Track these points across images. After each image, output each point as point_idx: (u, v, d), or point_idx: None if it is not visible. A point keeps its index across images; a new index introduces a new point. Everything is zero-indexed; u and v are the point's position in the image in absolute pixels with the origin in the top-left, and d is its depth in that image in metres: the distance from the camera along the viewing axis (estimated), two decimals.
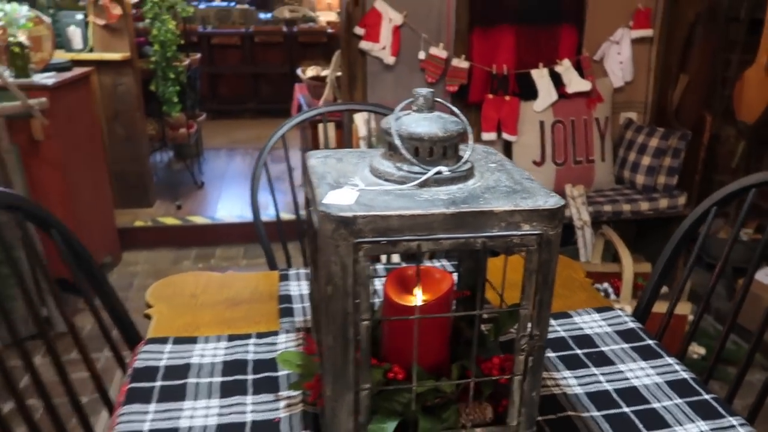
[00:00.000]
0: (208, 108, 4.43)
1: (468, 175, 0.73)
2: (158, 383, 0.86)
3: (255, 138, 5.12)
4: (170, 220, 3.29)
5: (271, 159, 4.53)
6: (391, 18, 2.62)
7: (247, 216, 3.39)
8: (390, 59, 2.64)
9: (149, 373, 0.88)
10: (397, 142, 0.70)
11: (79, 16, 3.32)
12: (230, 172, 4.24)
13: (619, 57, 2.84)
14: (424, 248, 0.65)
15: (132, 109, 3.36)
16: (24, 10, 2.71)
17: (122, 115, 3.34)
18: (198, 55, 4.26)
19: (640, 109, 2.95)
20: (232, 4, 7.11)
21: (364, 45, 2.63)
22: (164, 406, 0.82)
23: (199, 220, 3.33)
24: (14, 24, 2.62)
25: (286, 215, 3.15)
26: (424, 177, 0.69)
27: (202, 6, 6.66)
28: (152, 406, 0.82)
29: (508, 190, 0.70)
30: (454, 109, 0.76)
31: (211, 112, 4.48)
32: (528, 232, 0.65)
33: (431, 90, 0.76)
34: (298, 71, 4.04)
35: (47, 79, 2.54)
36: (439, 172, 0.69)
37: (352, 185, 0.69)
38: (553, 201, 0.66)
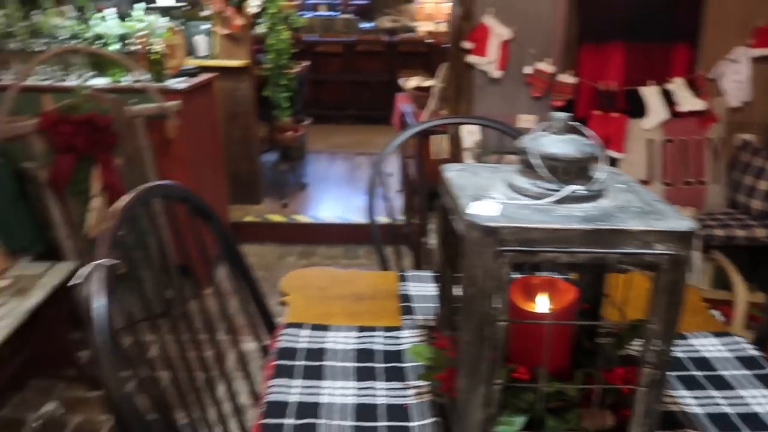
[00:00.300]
0: (311, 113, 4.64)
1: (599, 194, 0.78)
2: (299, 362, 0.97)
3: (355, 143, 5.31)
4: (277, 218, 3.50)
5: (372, 163, 4.67)
6: (499, 33, 2.67)
7: (347, 218, 3.55)
8: (496, 73, 2.69)
9: (290, 352, 1.00)
10: (536, 161, 0.77)
11: (205, 26, 3.61)
12: (331, 175, 4.44)
13: (736, 76, 2.73)
14: (561, 260, 0.71)
15: (247, 113, 3.61)
16: (163, 21, 3.00)
17: (238, 118, 3.59)
18: (307, 63, 4.49)
19: (758, 131, 2.81)
20: (337, 14, 7.40)
21: (471, 59, 2.70)
22: (306, 382, 0.92)
23: (302, 219, 3.52)
24: (154, 34, 2.91)
25: (379, 218, 3.26)
26: (562, 194, 0.74)
27: (307, 15, 6.98)
28: (295, 382, 0.92)
29: (640, 211, 0.75)
30: (589, 132, 0.82)
31: (313, 116, 4.70)
32: (661, 252, 0.69)
33: (569, 114, 0.81)
34: (401, 81, 4.17)
35: (180, 83, 2.80)
36: (575, 191, 0.75)
37: (493, 198, 0.76)
38: (686, 224, 0.70)
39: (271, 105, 3.91)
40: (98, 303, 0.68)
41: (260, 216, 3.52)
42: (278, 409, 0.87)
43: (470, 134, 2.50)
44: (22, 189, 2.32)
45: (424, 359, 0.89)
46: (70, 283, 0.70)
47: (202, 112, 3.00)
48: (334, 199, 3.92)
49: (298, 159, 4.31)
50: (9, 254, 2.07)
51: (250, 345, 1.33)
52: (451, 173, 0.87)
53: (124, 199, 0.85)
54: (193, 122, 2.84)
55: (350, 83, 6.29)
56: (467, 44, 2.69)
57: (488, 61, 2.68)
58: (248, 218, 3.45)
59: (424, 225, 2.15)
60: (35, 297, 1.87)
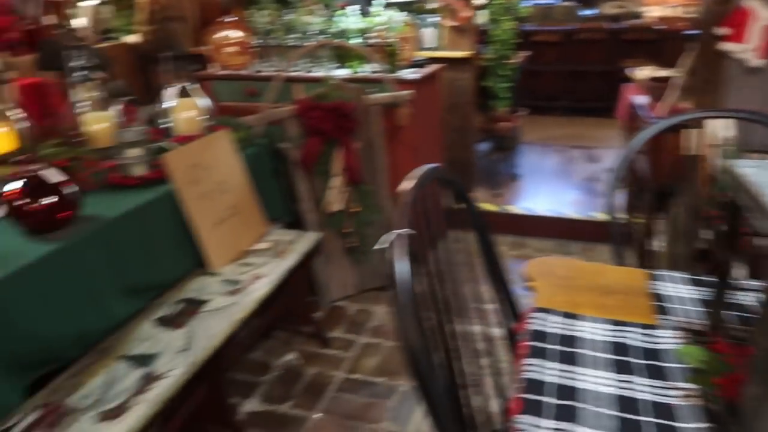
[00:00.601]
0: (525, 103, 4.58)
1: None
2: (552, 346, 0.99)
3: (568, 136, 5.12)
4: (489, 207, 3.55)
5: (587, 157, 4.47)
6: (764, 17, 2.36)
7: (560, 211, 3.46)
8: (756, 61, 2.39)
9: (541, 335, 1.03)
10: None
11: (432, 19, 3.76)
12: (544, 168, 4.35)
13: None
14: None
15: (467, 103, 3.70)
16: (400, 15, 3.20)
17: (458, 107, 3.69)
18: (527, 53, 4.43)
19: None
20: (556, 1, 7.14)
21: (726, 46, 2.43)
22: (560, 366, 0.95)
23: (514, 209, 3.52)
24: (391, 27, 3.11)
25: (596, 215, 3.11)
26: None
27: (526, 4, 6.85)
28: (550, 364, 0.95)
29: None
30: None
31: (527, 107, 4.64)
32: None
33: None
34: (629, 71, 3.91)
35: (412, 74, 2.97)
36: None
37: None
38: None
39: (488, 95, 3.95)
40: (400, 267, 0.77)
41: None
42: (536, 387, 0.90)
43: (723, 129, 2.26)
44: (277, 166, 2.68)
45: (696, 362, 0.86)
46: (375, 247, 0.81)
47: (428, 101, 3.15)
48: (547, 191, 3.84)
49: (511, 149, 4.30)
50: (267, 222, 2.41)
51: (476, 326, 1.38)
52: (747, 170, 0.82)
53: (412, 179, 0.95)
54: (420, 110, 2.99)
55: (566, 73, 6.06)
56: (722, 30, 2.43)
57: (747, 49, 2.39)
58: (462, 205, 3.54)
59: (651, 225, 2.02)
60: (290, 260, 2.16)
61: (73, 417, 1.40)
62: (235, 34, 3.43)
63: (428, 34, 3.69)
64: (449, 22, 3.66)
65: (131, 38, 4.12)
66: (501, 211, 3.52)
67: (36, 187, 1.66)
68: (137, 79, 3.94)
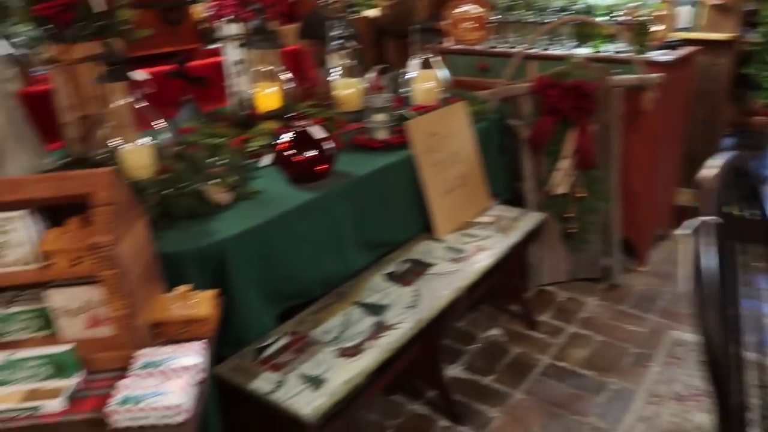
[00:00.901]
0: None
1: None
2: None
3: None
4: (730, 210, 3.14)
5: None
6: None
7: None
8: None
9: None
10: None
11: None
12: None
13: None
14: None
15: (719, 91, 3.28)
16: None
17: (708, 96, 3.30)
18: None
19: None
20: None
21: None
22: None
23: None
24: (646, 5, 2.87)
25: None
26: None
27: None
28: None
29: None
30: None
31: None
32: None
33: None
34: None
35: (664, 56, 2.71)
36: None
37: None
38: None
39: (747, 84, 3.46)
40: (707, 257, 0.72)
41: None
42: None
43: None
44: (504, 142, 2.67)
45: None
46: (677, 232, 0.77)
47: (677, 86, 2.86)
48: None
49: (763, 148, 3.74)
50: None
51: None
52: None
53: (715, 167, 0.87)
54: (667, 96, 2.73)
55: None
56: None
57: None
58: (693, 203, 3.18)
59: None
60: (514, 237, 2.15)
61: (317, 348, 1.58)
62: (475, 9, 3.45)
63: (685, 13, 3.33)
64: (712, 0, 3.26)
65: (371, 12, 4.38)
66: (747, 217, 3.09)
67: (301, 140, 1.87)
68: (371, 50, 4.20)
